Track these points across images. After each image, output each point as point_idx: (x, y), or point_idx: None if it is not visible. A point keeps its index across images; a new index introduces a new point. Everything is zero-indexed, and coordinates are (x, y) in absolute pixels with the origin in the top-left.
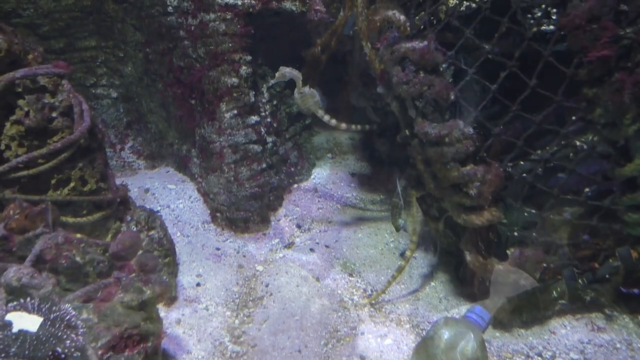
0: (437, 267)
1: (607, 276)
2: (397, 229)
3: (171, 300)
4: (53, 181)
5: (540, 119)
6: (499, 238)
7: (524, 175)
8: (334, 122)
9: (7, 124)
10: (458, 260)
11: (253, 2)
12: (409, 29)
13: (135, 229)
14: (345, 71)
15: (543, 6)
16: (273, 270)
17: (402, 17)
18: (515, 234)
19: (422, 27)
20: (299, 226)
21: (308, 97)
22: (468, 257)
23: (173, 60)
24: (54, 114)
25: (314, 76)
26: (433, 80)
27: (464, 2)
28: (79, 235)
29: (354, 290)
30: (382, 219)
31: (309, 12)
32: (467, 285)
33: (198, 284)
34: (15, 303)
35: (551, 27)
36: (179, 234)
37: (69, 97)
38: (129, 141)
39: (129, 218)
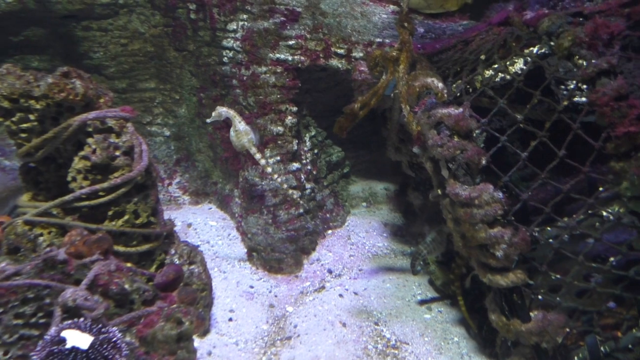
0: (460, 323)
1: (629, 346)
2: (414, 273)
3: (204, 332)
4: (110, 213)
5: (569, 188)
6: (522, 300)
7: (550, 240)
8: (263, 161)
9: (76, 159)
10: (482, 319)
11: (302, 58)
12: (445, 95)
13: (177, 262)
14: (384, 127)
15: (575, 81)
16: (302, 312)
17: (440, 85)
18: (540, 297)
19: (458, 94)
20: (330, 271)
21: (242, 134)
22: (492, 316)
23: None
24: (117, 153)
25: (347, 128)
26: (466, 145)
27: (499, 73)
28: (128, 264)
29: (379, 338)
30: (411, 271)
31: (354, 72)
32: (490, 344)
33: (230, 319)
34: (70, 322)
35: (583, 99)
36: (216, 269)
37: (131, 139)
38: (176, 177)
39: (173, 251)
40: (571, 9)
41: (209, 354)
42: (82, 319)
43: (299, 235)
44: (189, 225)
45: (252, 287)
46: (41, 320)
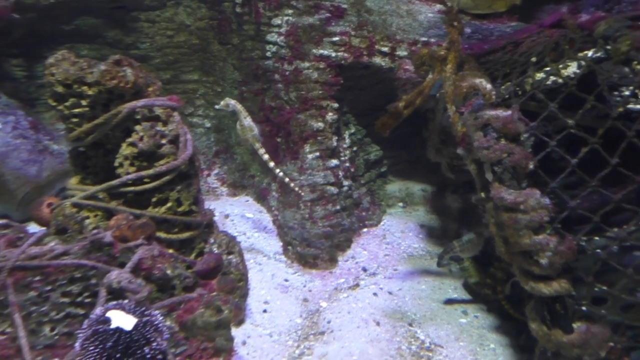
0: (497, 330)
1: None
2: (439, 265)
3: (239, 322)
4: (154, 199)
5: (619, 198)
6: (565, 310)
7: (598, 251)
8: (266, 156)
9: (124, 145)
10: (520, 327)
11: (346, 55)
12: (494, 97)
13: (216, 251)
14: (425, 127)
15: (631, 88)
16: (336, 308)
17: (489, 86)
18: (583, 308)
19: (506, 96)
20: (364, 269)
21: (247, 129)
22: (532, 325)
23: (265, 100)
24: (163, 141)
25: (390, 126)
26: (513, 148)
27: (551, 76)
28: (170, 251)
29: (412, 340)
30: (447, 274)
31: (399, 71)
32: (528, 353)
33: (264, 311)
34: (115, 303)
35: (638, 106)
36: (252, 261)
37: (177, 127)
38: (215, 168)
39: (212, 240)
40: (629, 12)
41: (244, 343)
42: (126, 301)
43: (335, 231)
44: (226, 216)
45: (286, 280)
46: (86, 300)
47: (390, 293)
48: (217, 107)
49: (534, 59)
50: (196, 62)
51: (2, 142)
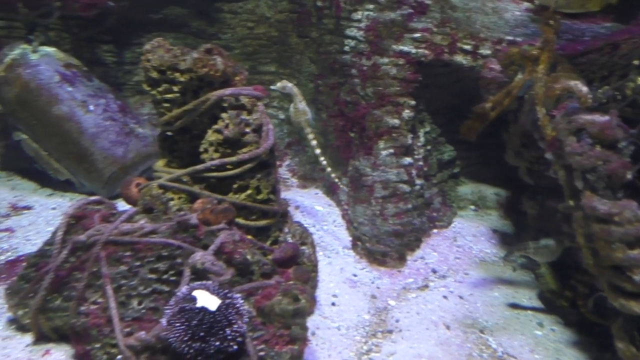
0: (576, 345)
1: None
2: (506, 259)
3: (309, 313)
4: (235, 186)
5: None
6: None
7: None
8: (314, 142)
9: (209, 132)
10: (602, 344)
11: (426, 52)
12: (590, 101)
13: (290, 240)
14: (505, 129)
15: None
16: (405, 307)
17: (585, 89)
18: None
19: (604, 100)
20: (434, 271)
21: (301, 113)
22: (619, 344)
23: (340, 94)
24: (248, 129)
25: (477, 130)
26: (610, 156)
27: None
28: (249, 237)
29: (484, 347)
30: (521, 282)
31: (483, 69)
32: None
33: (333, 304)
34: (200, 283)
35: None
36: (321, 253)
37: (260, 117)
38: (286, 160)
39: (286, 230)
40: None
41: (313, 334)
42: (210, 282)
43: (405, 230)
44: (297, 207)
45: (355, 275)
46: (171, 278)
47: (461, 297)
48: (272, 87)
49: (636, 62)
50: (274, 54)
51: (93, 123)
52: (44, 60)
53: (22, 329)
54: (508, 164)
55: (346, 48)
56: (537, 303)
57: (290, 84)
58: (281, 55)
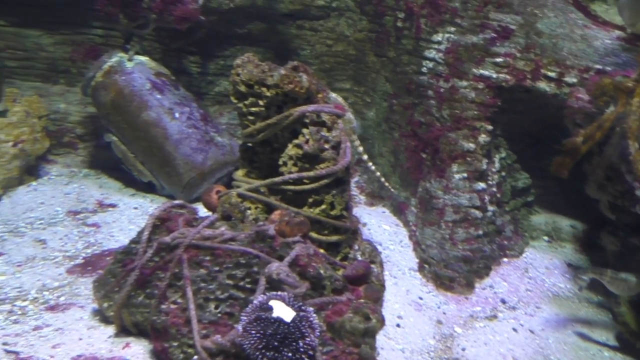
0: None
1: None
2: (575, 278)
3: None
4: (310, 200)
5: None
6: None
7: None
8: (360, 148)
9: (290, 146)
10: None
11: (507, 77)
12: None
13: (360, 258)
14: (587, 160)
15: None
16: (472, 336)
17: None
18: None
19: None
20: (503, 301)
21: (346, 121)
22: None
23: (414, 114)
24: (327, 146)
25: (569, 166)
26: None
27: None
28: (322, 251)
29: None
30: (597, 322)
31: (569, 98)
32: None
33: (398, 325)
34: (276, 293)
35: None
36: (387, 273)
37: (339, 135)
38: (355, 176)
39: (356, 247)
40: None
41: (377, 354)
42: (286, 293)
43: (475, 257)
44: (364, 224)
45: (421, 298)
46: (247, 285)
47: (531, 332)
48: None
49: None
50: (350, 71)
51: (177, 129)
52: (137, 69)
53: (105, 320)
54: (587, 195)
55: (424, 69)
56: (614, 344)
57: (334, 94)
58: (357, 73)
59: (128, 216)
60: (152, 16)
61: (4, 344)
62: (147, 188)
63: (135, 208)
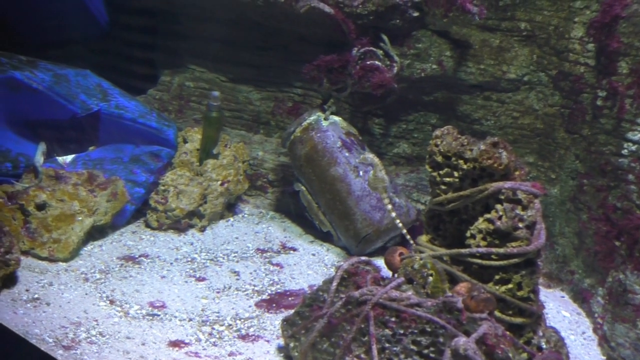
0: None
1: None
2: None
3: None
4: (497, 277)
5: None
6: None
7: None
8: (389, 206)
9: (480, 219)
10: None
11: None
12: None
13: (544, 346)
14: None
15: None
16: None
17: None
18: None
19: None
20: None
21: (380, 180)
22: None
23: (608, 198)
24: (520, 225)
25: None
26: None
27: None
28: (508, 333)
29: None
30: None
31: None
32: None
33: None
34: None
35: None
36: None
37: (535, 215)
38: None
39: (540, 333)
40: None
41: None
42: None
43: None
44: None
45: None
46: (432, 355)
47: None
48: (357, 160)
49: None
50: (535, 145)
51: (360, 187)
52: (331, 127)
53: (289, 358)
54: None
55: (624, 151)
56: None
57: (371, 155)
58: (542, 148)
59: (307, 261)
60: (350, 81)
61: None
62: (325, 237)
63: (313, 254)
